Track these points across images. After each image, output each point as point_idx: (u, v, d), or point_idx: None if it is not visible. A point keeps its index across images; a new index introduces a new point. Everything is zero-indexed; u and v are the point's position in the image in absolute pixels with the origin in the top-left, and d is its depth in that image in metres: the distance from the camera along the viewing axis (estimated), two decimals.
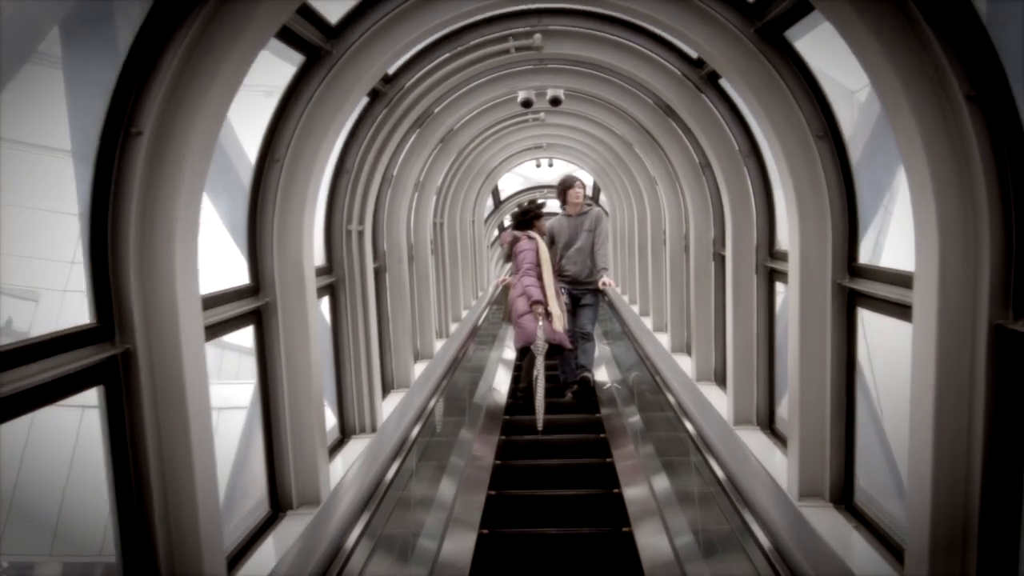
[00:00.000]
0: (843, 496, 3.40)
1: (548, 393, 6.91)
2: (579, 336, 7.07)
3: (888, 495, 3.23)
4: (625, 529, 4.75)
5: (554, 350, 6.71)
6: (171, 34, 2.20)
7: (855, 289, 3.20)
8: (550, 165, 11.82)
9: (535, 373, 6.22)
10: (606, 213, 8.53)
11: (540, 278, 6.52)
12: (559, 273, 7.04)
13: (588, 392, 7.25)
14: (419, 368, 6.37)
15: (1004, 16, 2.01)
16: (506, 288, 7.12)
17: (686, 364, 5.99)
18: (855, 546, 3.10)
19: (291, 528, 3.37)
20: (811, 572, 2.54)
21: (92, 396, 2.29)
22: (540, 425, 6.20)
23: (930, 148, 2.11)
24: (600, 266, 7.09)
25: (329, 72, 3.28)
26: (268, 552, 3.26)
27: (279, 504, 3.52)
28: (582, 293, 7.21)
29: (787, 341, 3.58)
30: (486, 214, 13.30)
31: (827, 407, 3.34)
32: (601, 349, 8.57)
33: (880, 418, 3.42)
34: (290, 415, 3.48)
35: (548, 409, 6.37)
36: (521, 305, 6.58)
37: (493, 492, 5.22)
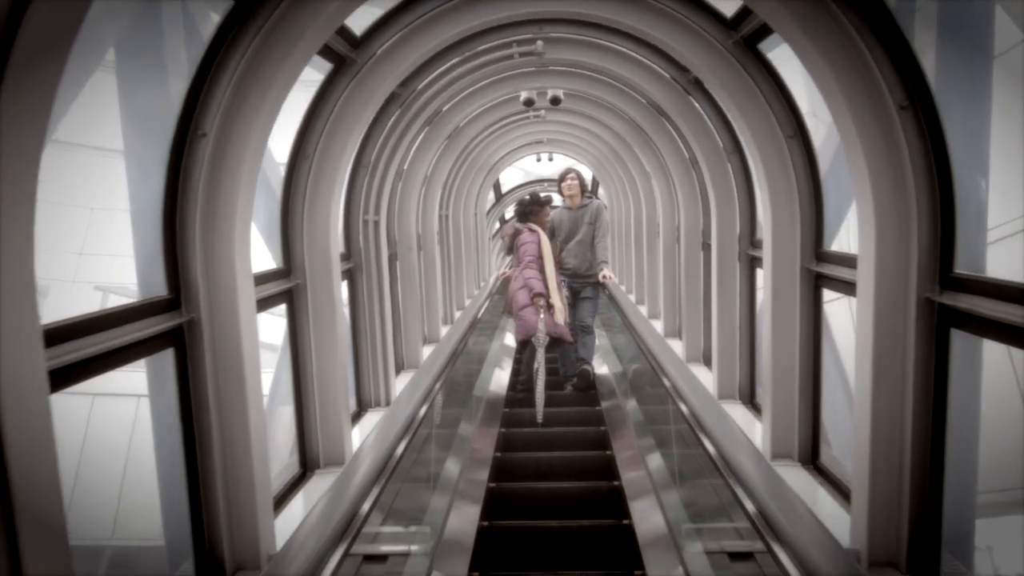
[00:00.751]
0: (811, 457, 3.82)
1: (548, 386, 7.11)
2: (579, 329, 7.07)
3: (848, 455, 3.64)
4: (625, 522, 4.76)
5: (554, 343, 6.82)
6: (231, 51, 2.60)
7: (820, 272, 3.62)
8: (550, 159, 12.08)
9: (535, 365, 6.34)
10: (606, 206, 8.84)
11: (542, 271, 6.64)
12: (559, 266, 7.12)
13: (588, 385, 7.29)
14: (426, 351, 6.75)
15: (928, 42, 2.41)
16: (507, 281, 7.23)
17: (678, 347, 6.40)
18: (820, 498, 3.52)
19: (320, 484, 3.79)
20: (783, 520, 2.94)
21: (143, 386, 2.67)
22: (540, 417, 6.34)
23: (868, 149, 2.52)
24: (600, 259, 7.17)
25: (354, 78, 3.68)
26: (299, 504, 3.68)
27: (307, 464, 3.94)
28: (582, 286, 7.25)
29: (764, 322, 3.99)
30: (488, 207, 13.61)
31: (796, 378, 3.76)
32: (598, 334, 8.82)
33: (850, 389, 3.79)
34: (318, 385, 3.89)
35: (548, 402, 6.57)
36: (522, 298, 6.64)
37: (499, 451, 5.43)
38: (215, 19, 2.62)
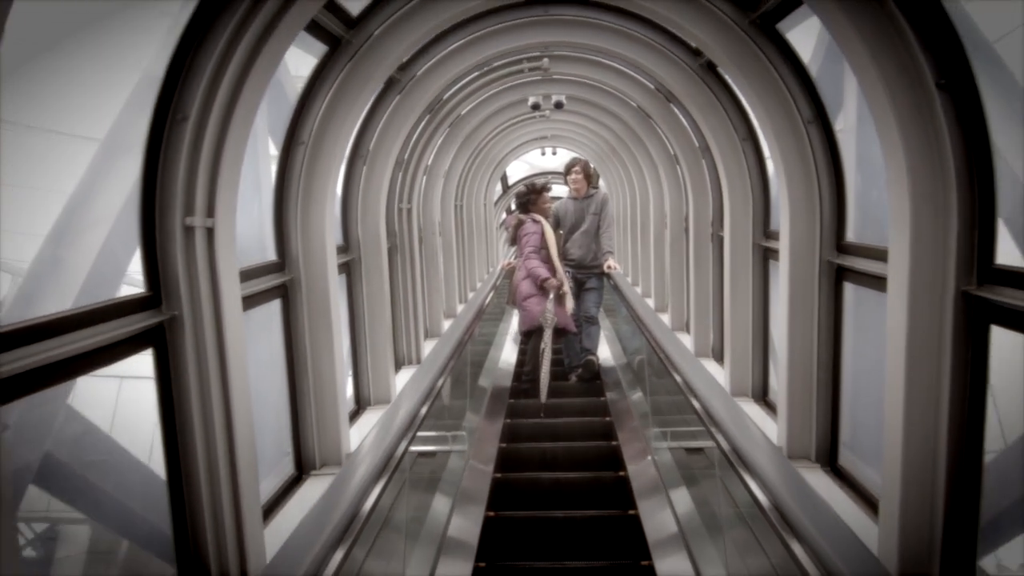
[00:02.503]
0: (829, 459, 3.64)
1: (553, 376, 7.06)
2: (584, 320, 7.06)
3: (870, 458, 3.46)
4: (631, 512, 4.75)
5: (558, 333, 6.79)
6: (210, 29, 2.41)
7: (843, 265, 3.42)
8: (554, 153, 12.43)
9: (542, 347, 6.38)
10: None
11: (546, 261, 6.58)
12: (563, 257, 7.10)
13: (593, 375, 7.31)
14: (446, 324, 7.00)
15: (968, 15, 2.21)
16: (511, 271, 7.20)
17: (686, 341, 6.22)
18: (839, 502, 3.33)
19: (315, 487, 3.62)
20: (805, 521, 2.76)
21: (129, 367, 2.52)
22: (543, 398, 6.34)
23: (904, 131, 2.32)
24: (605, 249, 7.14)
25: (350, 60, 3.49)
26: (293, 509, 3.51)
27: (303, 466, 3.77)
28: (587, 277, 7.24)
29: (779, 316, 3.80)
30: (496, 198, 14.79)
31: (814, 376, 3.57)
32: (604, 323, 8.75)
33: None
34: (314, 384, 3.72)
35: (553, 393, 6.52)
36: (525, 288, 6.62)
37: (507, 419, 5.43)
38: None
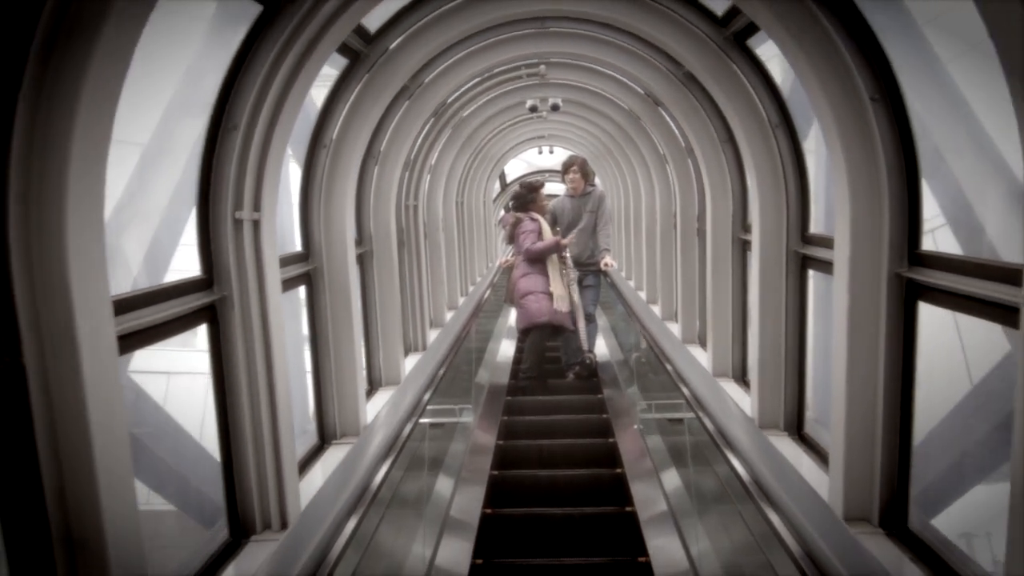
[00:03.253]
0: (796, 427, 4.07)
1: (549, 375, 7.30)
2: (581, 317, 7.36)
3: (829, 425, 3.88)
4: (628, 509, 4.98)
5: (556, 331, 6.97)
6: (256, 51, 2.83)
7: (806, 254, 3.86)
8: (551, 152, 13.11)
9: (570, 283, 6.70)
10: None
11: (540, 260, 6.82)
12: None
13: (591, 373, 7.43)
14: (448, 314, 7.57)
15: (894, 37, 2.65)
16: (508, 270, 7.43)
17: (675, 329, 6.65)
18: (803, 463, 3.77)
19: (336, 454, 4.05)
20: (772, 481, 3.20)
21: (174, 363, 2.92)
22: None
23: (843, 136, 2.75)
24: (602, 247, 7.34)
25: (368, 72, 3.91)
26: (317, 472, 3.94)
27: (325, 436, 4.19)
28: (584, 274, 7.39)
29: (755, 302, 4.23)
30: (494, 196, 15.41)
31: (783, 354, 4.00)
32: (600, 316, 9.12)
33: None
34: (335, 362, 4.14)
35: (550, 390, 6.79)
36: (523, 286, 6.83)
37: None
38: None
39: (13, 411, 1.67)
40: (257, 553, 2.85)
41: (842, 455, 2.95)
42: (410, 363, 5.69)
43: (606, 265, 7.31)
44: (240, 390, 2.93)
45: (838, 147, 2.75)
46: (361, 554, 3.44)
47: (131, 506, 1.93)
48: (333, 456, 4.06)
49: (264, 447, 3.02)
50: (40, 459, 1.70)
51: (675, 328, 6.66)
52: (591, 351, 7.44)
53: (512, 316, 10.00)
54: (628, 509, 5.00)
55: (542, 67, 5.79)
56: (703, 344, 6.15)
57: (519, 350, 8.55)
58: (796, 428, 4.06)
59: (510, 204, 7.48)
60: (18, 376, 1.67)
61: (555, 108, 7.08)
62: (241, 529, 2.97)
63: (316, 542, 2.91)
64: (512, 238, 7.24)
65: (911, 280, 2.75)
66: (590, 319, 7.49)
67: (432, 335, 6.59)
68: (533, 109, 7.23)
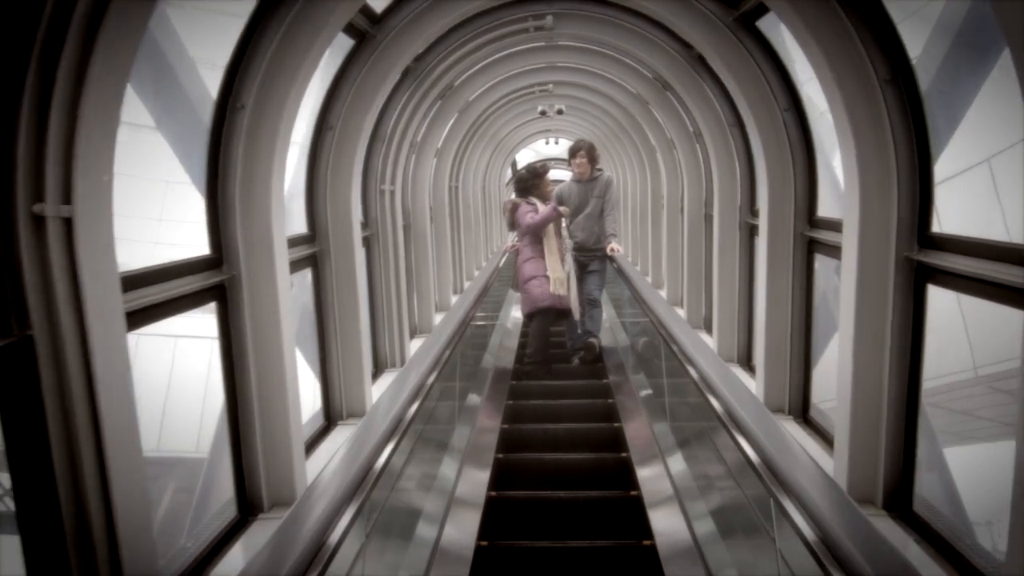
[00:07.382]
0: (802, 411, 4.07)
1: (553, 359, 7.31)
2: (586, 302, 7.06)
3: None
4: (633, 493, 4.72)
5: (560, 315, 6.97)
6: (262, 34, 2.82)
7: (813, 238, 3.84)
8: (556, 143, 14.04)
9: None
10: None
11: (540, 241, 6.81)
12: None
13: (595, 358, 7.51)
14: (454, 298, 7.59)
15: (908, 21, 2.62)
16: (515, 254, 7.42)
17: (680, 314, 6.65)
18: (809, 447, 3.77)
19: (342, 434, 4.07)
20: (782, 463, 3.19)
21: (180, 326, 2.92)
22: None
23: (854, 120, 2.73)
24: (609, 232, 7.31)
25: (374, 53, 3.89)
26: (324, 449, 3.97)
27: (331, 417, 4.22)
28: (589, 259, 7.35)
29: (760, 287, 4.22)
30: (506, 181, 16.33)
31: (789, 339, 4.00)
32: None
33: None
34: (341, 344, 4.15)
35: (553, 375, 6.78)
36: (527, 270, 6.83)
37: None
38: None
39: (23, 385, 1.69)
40: (264, 531, 2.87)
41: (847, 438, 2.96)
42: (415, 344, 5.72)
43: (612, 250, 7.27)
44: (248, 370, 2.95)
45: (848, 128, 2.72)
46: (365, 534, 3.46)
47: (140, 482, 1.95)
48: (339, 436, 4.09)
49: (272, 427, 3.04)
50: (50, 431, 1.72)
51: (681, 313, 6.65)
52: (596, 336, 7.43)
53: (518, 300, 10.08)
54: (633, 493, 4.97)
55: (548, 18, 5.22)
56: (708, 329, 6.15)
57: (523, 334, 8.52)
58: (801, 412, 4.06)
59: (512, 185, 7.37)
60: (27, 350, 1.68)
61: (560, 112, 7.67)
62: (248, 507, 2.99)
63: (319, 520, 2.92)
64: (513, 224, 7.19)
65: (920, 263, 2.74)
66: (595, 304, 7.45)
67: (438, 318, 6.63)
68: (543, 113, 7.77)
